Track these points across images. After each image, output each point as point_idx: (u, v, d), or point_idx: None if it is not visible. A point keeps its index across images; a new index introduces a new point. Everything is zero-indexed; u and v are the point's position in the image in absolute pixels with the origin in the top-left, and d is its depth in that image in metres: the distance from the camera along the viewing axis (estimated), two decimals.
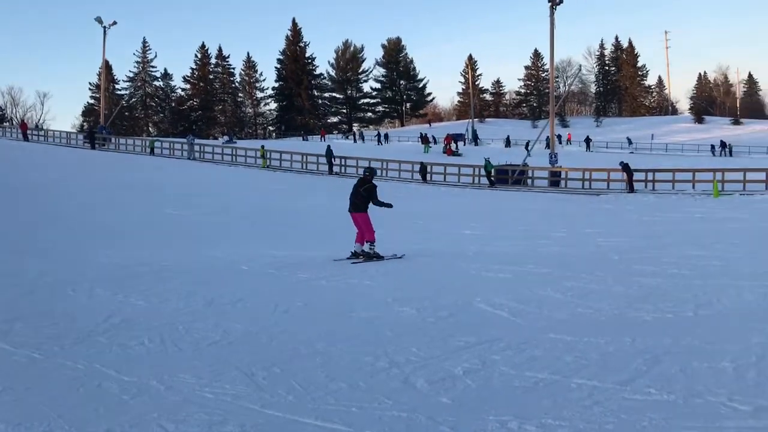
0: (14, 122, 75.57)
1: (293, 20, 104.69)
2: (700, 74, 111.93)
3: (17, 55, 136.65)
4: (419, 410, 4.26)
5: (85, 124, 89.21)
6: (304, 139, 74.33)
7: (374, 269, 10.14)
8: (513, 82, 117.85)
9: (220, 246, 13.51)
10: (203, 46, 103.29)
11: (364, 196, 11.33)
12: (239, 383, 4.90)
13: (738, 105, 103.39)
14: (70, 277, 9.67)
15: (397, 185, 32.75)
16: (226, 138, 69.43)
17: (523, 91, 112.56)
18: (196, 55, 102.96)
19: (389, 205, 11.54)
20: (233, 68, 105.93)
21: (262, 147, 41.19)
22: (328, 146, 39.62)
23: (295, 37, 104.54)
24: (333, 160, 36.57)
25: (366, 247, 11.23)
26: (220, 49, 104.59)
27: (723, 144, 60.59)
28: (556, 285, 8.63)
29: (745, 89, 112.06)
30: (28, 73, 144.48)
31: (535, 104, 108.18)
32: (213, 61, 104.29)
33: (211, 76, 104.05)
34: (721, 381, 4.63)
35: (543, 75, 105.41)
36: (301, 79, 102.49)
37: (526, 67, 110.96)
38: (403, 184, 33.43)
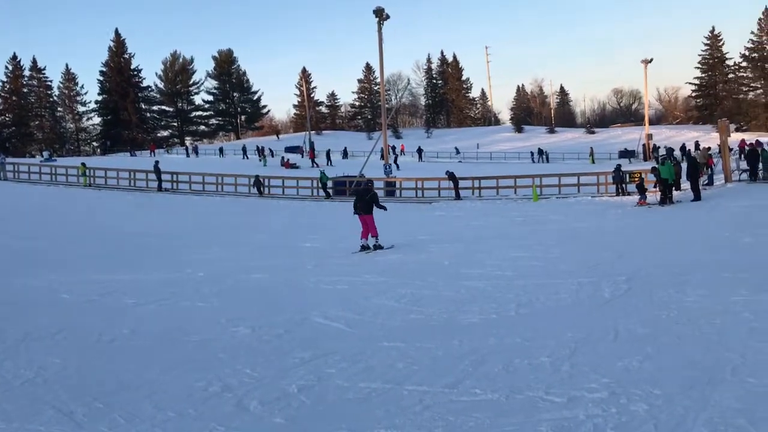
0: None
1: (116, 30, 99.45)
2: (518, 87, 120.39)
3: None
4: None
5: None
6: (132, 155, 70.69)
7: (210, 289, 9.81)
8: (348, 95, 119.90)
9: (37, 273, 12.39)
10: (15, 57, 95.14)
11: (369, 202, 14.42)
12: (55, 423, 4.52)
13: (552, 115, 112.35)
14: None
15: (234, 199, 32.06)
16: (45, 155, 64.33)
17: (357, 103, 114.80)
18: (6, 67, 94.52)
19: (385, 208, 14.90)
20: (50, 81, 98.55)
21: (83, 164, 38.52)
22: (156, 162, 37.78)
23: (119, 48, 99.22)
24: (161, 176, 35.02)
25: (372, 241, 14.26)
26: (34, 61, 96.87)
27: (540, 151, 65.64)
28: (391, 293, 8.85)
29: (558, 100, 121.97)
30: None
31: (369, 116, 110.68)
32: (27, 73, 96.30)
33: (25, 90, 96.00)
34: (539, 376, 4.97)
35: (375, 88, 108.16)
36: (127, 91, 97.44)
37: (359, 81, 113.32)
38: (240, 198, 32.78)
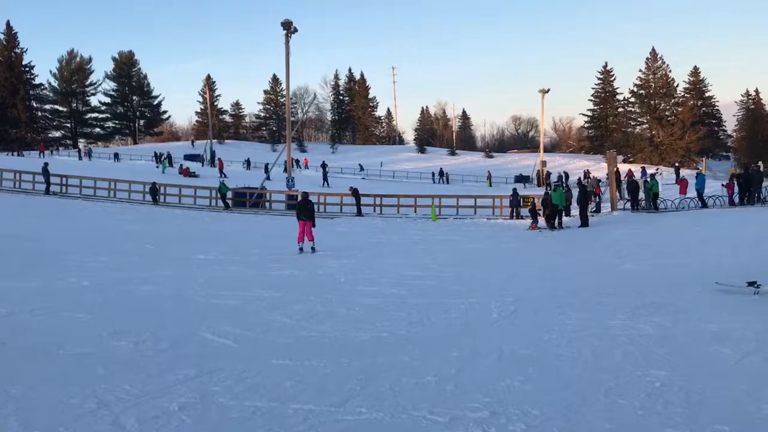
0: None
1: (7, 23, 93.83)
2: (422, 108, 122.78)
3: None
4: None
5: None
6: (19, 155, 66.73)
7: (93, 300, 9.35)
8: (253, 105, 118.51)
9: None
10: None
11: (310, 210, 17.23)
12: None
13: (454, 137, 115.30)
14: None
15: (127, 206, 30.85)
16: None
17: (262, 114, 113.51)
18: None
19: (314, 224, 17.28)
20: None
21: None
22: (45, 163, 35.84)
23: (10, 41, 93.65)
24: (50, 178, 33.23)
25: (309, 244, 16.90)
26: None
27: (441, 172, 67.16)
28: (284, 309, 8.75)
29: (460, 124, 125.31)
30: None
31: (274, 128, 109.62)
32: None
33: None
34: (425, 395, 5.04)
35: (281, 100, 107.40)
36: (17, 88, 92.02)
37: (266, 92, 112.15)
38: (133, 205, 31.57)
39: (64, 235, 19.75)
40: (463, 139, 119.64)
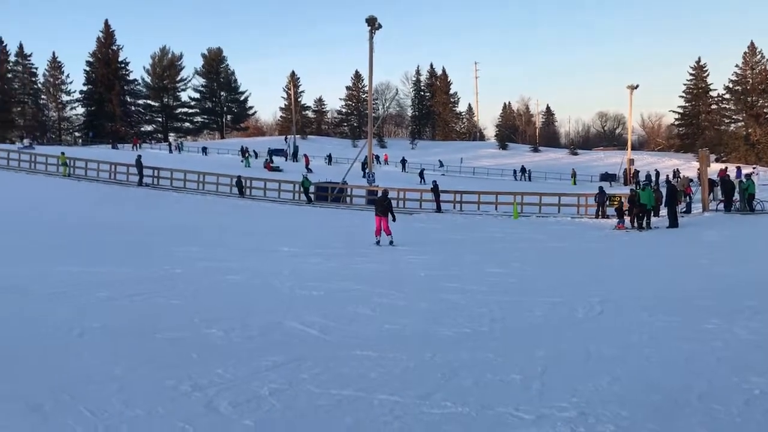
0: None
1: (106, 21, 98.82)
2: (505, 104, 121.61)
3: None
4: None
5: None
6: (113, 147, 70.05)
7: (185, 287, 9.75)
8: (335, 101, 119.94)
9: (6, 264, 12.22)
10: (0, 41, 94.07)
11: (386, 206, 17.88)
12: (19, 416, 4.46)
13: (537, 134, 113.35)
14: None
15: (215, 198, 31.91)
16: (26, 142, 63.56)
17: (344, 110, 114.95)
18: None
19: (395, 218, 18.13)
20: (36, 68, 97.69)
21: (62, 154, 38.18)
22: (138, 156, 37.54)
23: (107, 39, 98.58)
24: (143, 171, 34.76)
25: (388, 239, 17.39)
26: (21, 46, 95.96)
27: (523, 169, 66.10)
28: (367, 301, 8.86)
29: (543, 120, 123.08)
30: None
31: (355, 124, 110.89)
32: (12, 58, 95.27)
33: (9, 75, 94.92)
34: (510, 392, 5.00)
35: (363, 96, 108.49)
36: (113, 83, 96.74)
37: (348, 88, 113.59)
38: (221, 198, 32.63)
39: (156, 225, 20.66)
40: (547, 135, 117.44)
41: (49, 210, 22.65)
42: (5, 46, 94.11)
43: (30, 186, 30.93)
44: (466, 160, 77.46)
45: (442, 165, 70.61)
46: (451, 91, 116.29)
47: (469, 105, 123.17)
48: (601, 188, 29.00)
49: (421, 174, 51.26)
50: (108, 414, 4.47)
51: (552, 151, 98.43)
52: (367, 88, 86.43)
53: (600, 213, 27.38)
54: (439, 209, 30.27)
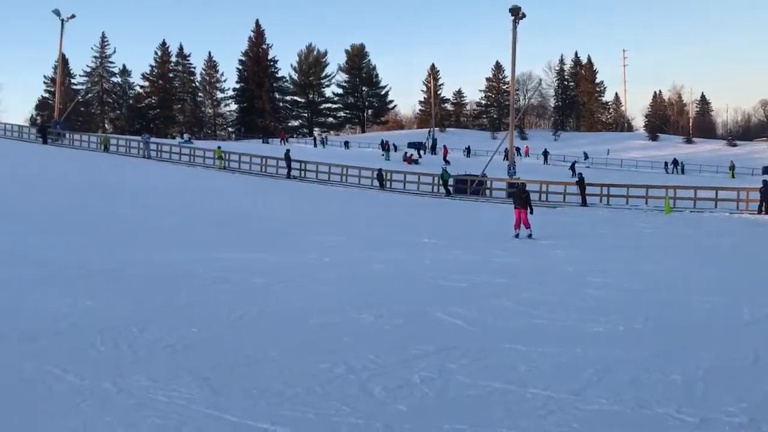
0: None
1: (257, 21, 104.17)
2: (655, 93, 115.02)
3: None
4: (376, 417, 4.28)
5: (38, 118, 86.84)
6: (264, 142, 73.74)
7: (334, 275, 10.12)
8: (474, 93, 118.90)
9: (174, 249, 13.27)
10: (164, 43, 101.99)
11: (525, 199, 17.58)
12: (194, 387, 4.83)
13: (690, 124, 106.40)
14: (13, 276, 9.36)
15: (356, 192, 32.78)
16: (186, 137, 68.47)
17: (483, 102, 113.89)
18: (156, 53, 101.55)
19: (532, 211, 17.64)
20: (194, 67, 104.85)
21: (219, 148, 40.79)
22: (287, 150, 39.35)
23: (258, 38, 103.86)
24: (291, 164, 36.37)
25: (526, 232, 17.13)
26: (181, 48, 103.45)
27: (675, 162, 62.30)
28: (511, 295, 8.76)
29: (697, 109, 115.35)
30: None
31: (495, 116, 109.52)
32: (173, 59, 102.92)
33: (170, 74, 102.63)
34: (669, 393, 4.77)
35: (504, 87, 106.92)
36: (263, 81, 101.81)
37: (488, 79, 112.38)
38: (363, 190, 33.47)
39: (303, 216, 21.57)
40: (701, 125, 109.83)
41: (206, 199, 24.25)
42: (168, 47, 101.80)
43: (190, 178, 33.24)
44: (613, 152, 74.29)
45: (587, 157, 68.16)
46: (597, 80, 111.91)
47: (616, 94, 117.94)
48: (765, 182, 26.75)
49: (572, 167, 49.70)
50: (270, 393, 4.74)
51: (707, 143, 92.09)
52: (507, 79, 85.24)
53: (764, 209, 25.29)
54: (584, 203, 29.27)
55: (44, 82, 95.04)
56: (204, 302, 7.98)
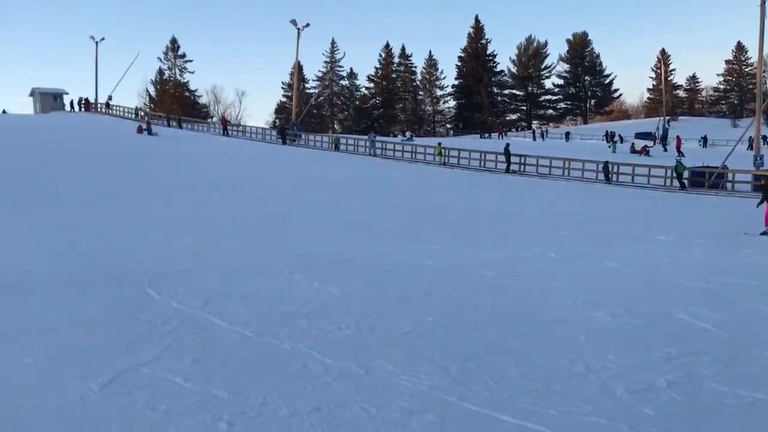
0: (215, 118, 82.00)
1: (476, 17, 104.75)
2: None
3: (220, 57, 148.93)
4: (620, 419, 4.14)
5: (276, 120, 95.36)
6: (481, 137, 74.04)
7: (564, 272, 9.90)
8: (711, 78, 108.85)
9: (402, 241, 13.87)
10: (387, 45, 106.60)
11: None
12: (434, 375, 5.02)
13: None
14: (271, 263, 10.41)
15: (579, 185, 31.65)
16: (408, 135, 71.03)
17: (722, 87, 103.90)
18: (380, 55, 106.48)
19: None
20: (415, 67, 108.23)
21: (439, 144, 41.66)
22: (507, 144, 39.11)
23: (477, 34, 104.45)
24: (510, 158, 36.05)
25: None
26: (403, 48, 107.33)
27: None
28: (766, 299, 7.92)
29: None
30: (229, 73, 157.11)
31: (736, 101, 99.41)
32: (396, 60, 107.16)
33: (393, 75, 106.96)
34: None
35: (747, 70, 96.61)
36: (481, 76, 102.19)
37: (727, 62, 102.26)
38: (587, 184, 32.23)
39: (524, 210, 21.32)
40: None
41: (426, 195, 24.95)
42: (390, 49, 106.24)
43: (413, 174, 34.38)
44: None
45: None
46: None
47: None
48: None
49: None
50: (509, 385, 4.78)
51: None
52: (751, 60, 76.93)
53: None
54: None
55: (282, 88, 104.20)
56: (437, 293, 8.24)
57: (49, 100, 60.98)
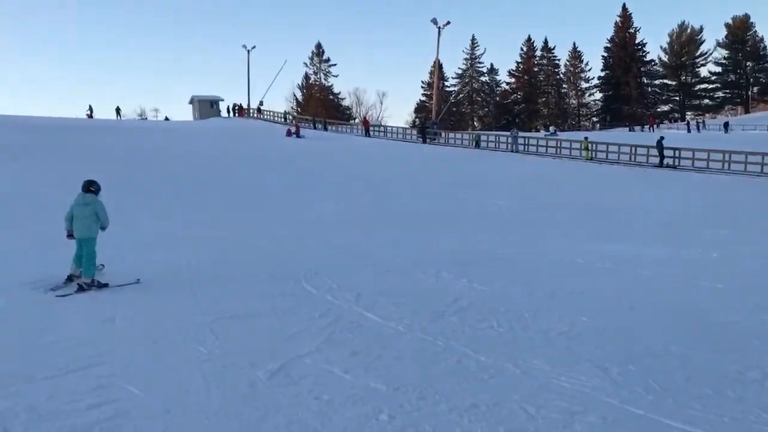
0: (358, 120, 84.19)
1: (623, 5, 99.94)
2: None
3: (362, 59, 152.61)
4: None
5: (416, 120, 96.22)
6: (630, 130, 70.56)
7: (728, 272, 9.26)
8: None
9: (549, 238, 13.52)
10: (529, 39, 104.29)
11: None
12: (593, 376, 4.91)
13: None
14: (418, 261, 10.53)
15: (742, 180, 29.40)
16: (552, 129, 69.22)
17: None
18: (521, 49, 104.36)
19: None
20: (558, 59, 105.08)
21: (585, 139, 40.14)
22: (660, 137, 36.98)
23: (624, 22, 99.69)
24: (663, 152, 34.05)
25: None
26: (545, 41, 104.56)
27: None
28: None
29: None
30: (371, 75, 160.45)
31: None
32: (538, 53, 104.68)
33: (535, 69, 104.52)
34: None
35: None
36: (630, 66, 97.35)
37: None
38: (750, 178, 29.83)
39: (679, 207, 20.13)
40: None
41: (576, 193, 24.18)
42: (532, 42, 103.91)
43: (558, 170, 33.47)
44: None
45: None
46: None
47: None
48: None
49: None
50: (674, 389, 4.58)
51: None
52: None
53: None
54: None
55: (422, 87, 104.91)
56: (590, 291, 8.02)
57: (207, 106, 65.43)
